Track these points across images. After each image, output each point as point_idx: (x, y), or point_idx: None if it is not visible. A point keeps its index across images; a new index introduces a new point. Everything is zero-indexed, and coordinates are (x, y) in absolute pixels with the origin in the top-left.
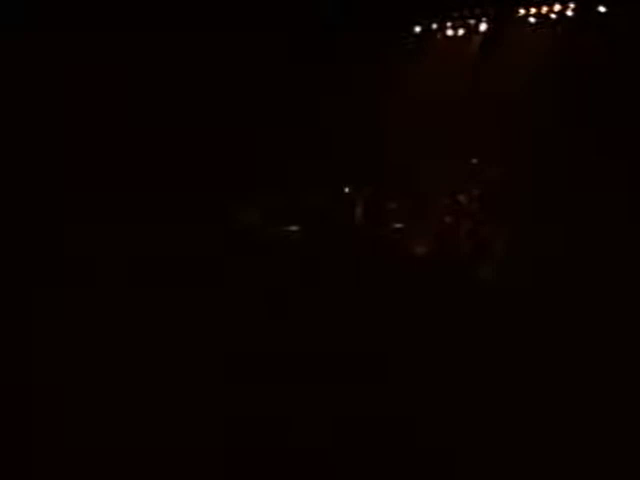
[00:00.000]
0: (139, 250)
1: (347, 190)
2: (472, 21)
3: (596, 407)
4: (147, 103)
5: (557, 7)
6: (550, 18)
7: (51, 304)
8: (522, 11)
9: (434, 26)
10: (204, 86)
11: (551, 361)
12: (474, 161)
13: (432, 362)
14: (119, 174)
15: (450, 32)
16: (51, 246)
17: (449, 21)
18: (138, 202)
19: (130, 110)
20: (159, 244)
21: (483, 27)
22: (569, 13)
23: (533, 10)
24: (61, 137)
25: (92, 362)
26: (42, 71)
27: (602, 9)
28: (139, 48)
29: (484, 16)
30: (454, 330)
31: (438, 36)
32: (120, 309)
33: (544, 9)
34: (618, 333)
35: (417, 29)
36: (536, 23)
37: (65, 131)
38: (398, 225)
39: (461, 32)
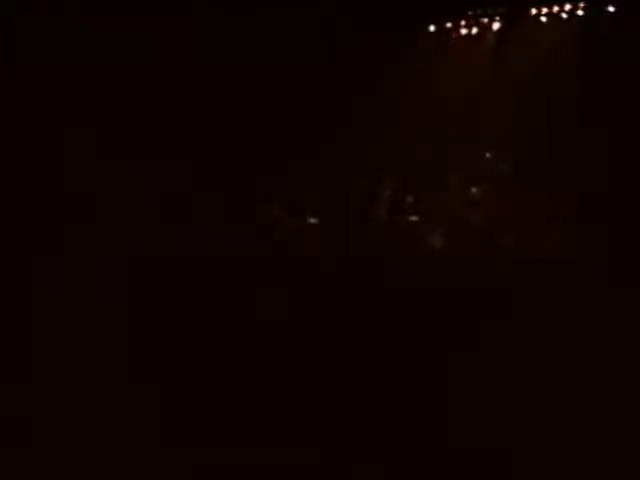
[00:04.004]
0: (161, 249)
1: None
2: (485, 20)
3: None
4: (169, 101)
5: (568, 6)
6: (561, 17)
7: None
8: (534, 10)
9: (448, 25)
10: (225, 85)
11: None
12: (487, 156)
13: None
14: (141, 169)
15: (464, 31)
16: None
17: (463, 20)
18: (160, 198)
19: (154, 107)
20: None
21: (496, 26)
22: (579, 12)
23: (545, 9)
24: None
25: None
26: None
27: (612, 9)
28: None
29: (497, 15)
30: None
31: (452, 35)
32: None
33: (555, 8)
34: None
35: (431, 28)
36: (547, 22)
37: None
38: (414, 218)
39: (475, 31)
